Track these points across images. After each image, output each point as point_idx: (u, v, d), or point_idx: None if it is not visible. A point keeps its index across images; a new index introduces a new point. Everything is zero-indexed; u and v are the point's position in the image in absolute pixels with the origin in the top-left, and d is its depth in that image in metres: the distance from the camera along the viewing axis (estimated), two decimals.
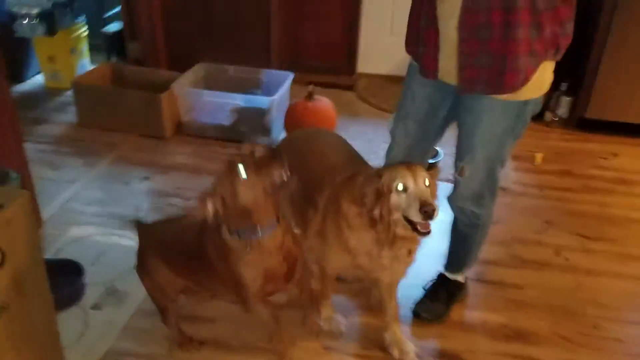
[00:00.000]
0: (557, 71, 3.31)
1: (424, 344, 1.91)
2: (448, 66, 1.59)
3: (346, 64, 4.00)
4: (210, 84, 3.40)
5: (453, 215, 1.93)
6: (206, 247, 1.57)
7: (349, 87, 3.96)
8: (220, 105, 3.14)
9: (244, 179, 1.37)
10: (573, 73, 3.40)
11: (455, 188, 1.84)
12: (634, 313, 2.09)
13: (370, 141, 3.25)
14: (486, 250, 2.36)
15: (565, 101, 3.43)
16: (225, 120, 3.15)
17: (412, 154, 1.83)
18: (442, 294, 2.05)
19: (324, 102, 3.13)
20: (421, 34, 1.63)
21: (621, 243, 2.46)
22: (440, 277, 2.10)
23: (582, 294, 2.16)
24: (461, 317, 2.04)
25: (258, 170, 1.38)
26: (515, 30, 1.45)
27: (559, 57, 1.59)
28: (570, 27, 1.55)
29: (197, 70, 3.39)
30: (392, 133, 1.90)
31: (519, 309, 2.08)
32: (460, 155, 1.76)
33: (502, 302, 2.11)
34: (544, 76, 1.60)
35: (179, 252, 1.68)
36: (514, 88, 1.54)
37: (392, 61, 4.14)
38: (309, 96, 3.09)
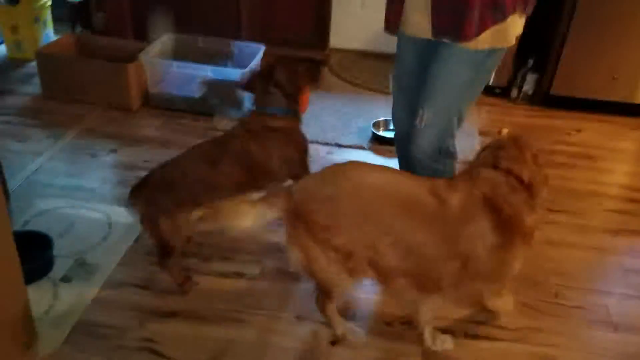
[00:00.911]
0: (523, 48, 3.39)
1: (391, 309, 1.96)
2: (418, 19, 1.74)
3: (318, 38, 3.98)
4: (179, 55, 3.34)
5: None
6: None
7: (322, 62, 3.95)
8: (189, 76, 3.10)
9: None
10: (539, 50, 3.46)
11: (414, 138, 1.90)
12: (592, 282, 2.17)
13: (345, 115, 3.27)
14: None
15: (531, 77, 3.50)
16: (195, 92, 3.12)
17: (413, 109, 1.91)
18: None
19: None
20: None
21: (582, 215, 2.55)
22: None
23: (544, 263, 2.23)
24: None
25: None
26: None
27: (528, 11, 1.71)
28: None
29: (165, 41, 3.33)
30: (392, 93, 2.06)
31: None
32: (421, 101, 1.84)
33: None
34: (508, 29, 1.69)
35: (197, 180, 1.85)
36: (468, 37, 1.65)
37: (364, 36, 4.14)
38: None
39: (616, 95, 3.39)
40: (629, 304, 2.07)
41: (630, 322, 1.99)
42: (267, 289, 2.02)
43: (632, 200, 2.68)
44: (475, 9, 1.61)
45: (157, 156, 2.73)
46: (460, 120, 1.89)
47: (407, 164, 2.04)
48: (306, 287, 2.02)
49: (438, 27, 1.70)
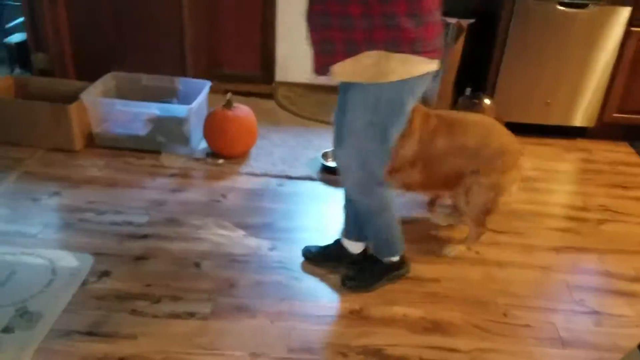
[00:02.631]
0: (462, 76, 3.53)
1: (347, 341, 1.96)
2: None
3: (264, 72, 4.03)
4: (123, 93, 3.30)
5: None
6: None
7: (268, 96, 3.99)
8: (134, 114, 3.06)
9: None
10: (477, 78, 3.62)
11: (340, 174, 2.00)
12: (539, 300, 2.24)
13: (293, 148, 3.29)
14: None
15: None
16: (141, 130, 3.08)
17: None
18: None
19: (244, 110, 3.13)
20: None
21: (525, 235, 2.64)
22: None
23: (492, 284, 2.29)
24: (382, 312, 2.11)
25: None
26: (326, 19, 1.67)
27: (401, 49, 1.68)
28: (404, 21, 1.64)
29: (108, 80, 3.29)
30: None
31: (435, 302, 2.18)
32: (333, 142, 1.94)
33: (420, 297, 2.20)
34: (382, 65, 1.70)
35: None
36: (317, 70, 1.84)
37: (309, 70, 4.20)
38: (228, 104, 3.08)
39: (551, 119, 3.57)
40: (575, 320, 2.14)
41: (577, 337, 2.05)
42: (220, 327, 1.98)
43: (572, 219, 2.80)
44: (326, 43, 1.74)
45: (102, 197, 2.68)
46: (377, 157, 1.91)
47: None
48: (260, 323, 2.01)
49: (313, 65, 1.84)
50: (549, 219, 2.79)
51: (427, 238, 2.57)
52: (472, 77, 3.64)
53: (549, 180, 3.17)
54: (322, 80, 4.20)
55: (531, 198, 2.96)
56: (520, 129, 3.54)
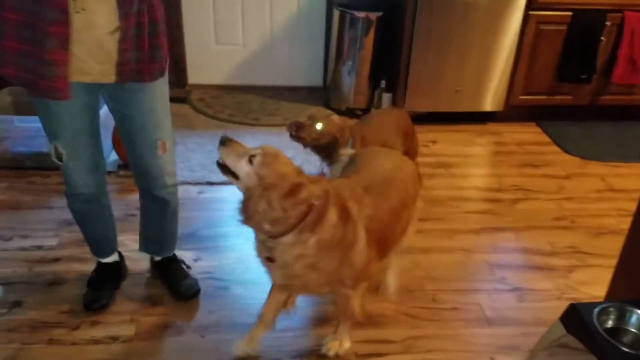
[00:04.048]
0: (376, 70, 3.58)
1: (279, 345, 1.92)
2: (98, 70, 1.64)
3: (176, 76, 3.90)
4: (22, 109, 3.08)
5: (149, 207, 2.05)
6: None
7: (182, 100, 3.86)
8: (36, 130, 2.86)
9: None
10: (390, 71, 3.68)
11: (157, 170, 1.91)
12: (464, 282, 2.30)
13: (211, 152, 3.20)
14: None
15: (386, 97, 3.69)
16: (44, 147, 2.88)
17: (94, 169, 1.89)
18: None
19: None
20: (45, 56, 1.55)
21: (446, 220, 2.71)
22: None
23: (418, 271, 2.33)
24: (315, 313, 2.09)
25: None
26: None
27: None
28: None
29: (4, 96, 3.06)
30: (63, 163, 1.81)
31: (365, 294, 2.18)
32: (157, 134, 1.85)
33: None
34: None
35: None
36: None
37: (223, 70, 4.13)
38: None
39: (461, 106, 3.69)
40: (499, 298, 2.22)
41: (502, 315, 2.13)
42: (146, 348, 1.88)
43: (488, 200, 2.91)
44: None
45: (7, 221, 2.49)
46: (174, 141, 1.99)
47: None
48: (188, 339, 1.93)
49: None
50: (467, 202, 2.89)
51: None
52: (386, 70, 3.70)
53: (464, 165, 3.28)
54: (235, 80, 4.14)
55: (449, 184, 3.05)
56: (432, 118, 3.66)
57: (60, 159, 1.79)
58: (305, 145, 2.37)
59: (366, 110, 3.78)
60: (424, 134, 3.57)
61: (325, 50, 4.05)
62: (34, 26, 1.50)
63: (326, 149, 2.36)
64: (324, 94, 4.05)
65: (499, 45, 3.51)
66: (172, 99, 3.61)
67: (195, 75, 4.06)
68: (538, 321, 2.07)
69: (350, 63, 3.67)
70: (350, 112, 3.79)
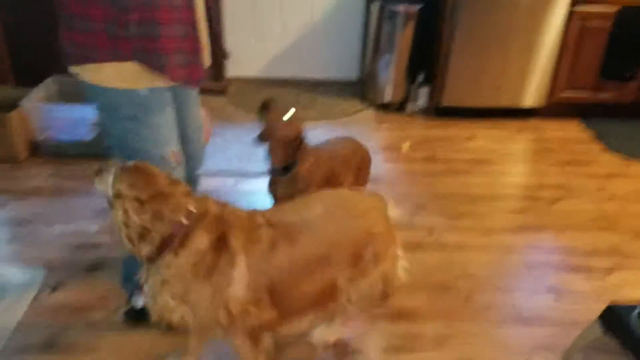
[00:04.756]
0: (414, 64, 3.55)
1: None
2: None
3: (214, 69, 3.94)
4: (67, 98, 3.17)
5: None
6: None
7: (220, 92, 3.91)
8: (79, 120, 2.95)
9: None
10: (428, 65, 3.63)
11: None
12: (499, 280, 2.27)
13: (247, 144, 3.22)
14: None
15: (423, 92, 3.66)
16: (87, 135, 2.96)
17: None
18: None
19: None
20: (193, 45, 1.59)
21: (484, 218, 2.67)
22: None
23: (453, 269, 2.31)
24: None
25: None
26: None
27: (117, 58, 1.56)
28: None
29: (50, 85, 3.15)
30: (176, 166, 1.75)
31: (399, 289, 2.17)
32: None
33: None
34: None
35: None
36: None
37: (260, 64, 4.16)
38: None
39: (501, 102, 3.62)
40: (535, 298, 2.17)
41: (538, 315, 2.08)
42: (182, 335, 1.92)
43: (528, 198, 2.85)
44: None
45: (50, 207, 2.57)
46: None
47: None
48: None
49: None
50: (504, 200, 2.83)
51: None
52: (424, 65, 3.66)
53: (503, 163, 3.22)
54: (272, 73, 4.16)
55: (486, 181, 3.00)
56: (471, 113, 3.61)
57: (177, 162, 1.74)
58: (264, 137, 2.13)
59: (401, 105, 3.75)
60: (462, 130, 3.53)
61: (363, 44, 4.04)
62: (180, 20, 1.52)
63: (283, 147, 2.11)
64: (359, 88, 4.04)
65: (542, 40, 3.42)
66: (210, 92, 3.76)
67: (233, 68, 4.09)
68: (574, 322, 2.03)
69: (387, 57, 3.64)
70: (385, 107, 3.77)
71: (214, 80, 3.93)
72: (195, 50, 1.60)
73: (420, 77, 3.64)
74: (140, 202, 1.36)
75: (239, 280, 1.43)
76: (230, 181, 2.89)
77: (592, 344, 1.67)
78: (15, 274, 2.13)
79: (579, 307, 2.13)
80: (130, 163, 1.43)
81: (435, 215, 2.67)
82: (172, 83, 1.60)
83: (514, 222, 2.64)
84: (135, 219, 1.36)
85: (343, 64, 4.18)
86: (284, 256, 1.47)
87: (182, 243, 1.39)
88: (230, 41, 3.97)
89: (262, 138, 2.12)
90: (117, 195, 1.38)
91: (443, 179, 3.00)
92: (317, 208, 1.59)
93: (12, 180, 2.79)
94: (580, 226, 2.63)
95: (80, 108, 2.95)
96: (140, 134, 1.63)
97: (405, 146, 3.30)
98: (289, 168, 2.13)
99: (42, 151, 2.99)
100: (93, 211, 2.55)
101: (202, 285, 1.41)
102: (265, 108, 2.09)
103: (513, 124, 3.63)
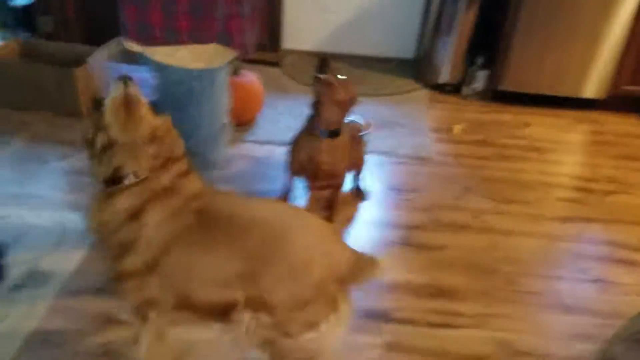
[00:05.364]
0: (473, 45, 3.49)
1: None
2: None
3: (271, 40, 3.98)
4: (129, 59, 3.27)
5: None
6: None
7: (275, 64, 3.95)
8: (142, 80, 3.03)
9: None
10: (488, 47, 3.57)
11: None
12: (544, 268, 2.25)
13: (300, 116, 3.25)
14: (410, 216, 2.48)
15: (481, 75, 3.60)
16: (148, 96, 3.05)
17: None
18: None
19: (251, 78, 3.11)
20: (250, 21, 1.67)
21: (532, 205, 2.64)
22: None
23: (497, 252, 2.30)
24: (387, 279, 2.12)
25: None
26: None
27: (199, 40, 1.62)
28: None
29: (115, 44, 3.26)
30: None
31: (441, 269, 2.20)
32: None
33: (425, 264, 2.22)
34: None
35: None
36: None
37: (316, 37, 4.17)
38: (235, 71, 3.06)
39: (562, 90, 3.52)
40: (580, 288, 2.16)
41: (581, 304, 2.07)
42: None
43: (580, 189, 2.80)
44: None
45: None
46: None
47: None
48: None
49: None
50: (556, 189, 2.79)
51: (433, 207, 2.57)
52: (484, 47, 3.60)
53: (558, 151, 3.16)
54: (328, 47, 4.17)
55: (540, 168, 2.96)
56: (531, 100, 3.54)
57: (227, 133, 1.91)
58: (319, 94, 2.10)
59: (457, 87, 3.70)
60: (517, 116, 3.48)
61: (422, 22, 3.99)
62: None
63: (335, 108, 2.11)
64: (415, 67, 4.01)
65: (609, 30, 3.30)
66: (265, 63, 3.81)
67: (289, 40, 4.12)
68: (617, 314, 2.00)
69: (447, 37, 3.59)
70: (440, 88, 3.73)
71: (270, 51, 3.97)
72: (256, 21, 1.64)
73: (480, 60, 3.58)
74: (112, 142, 1.39)
75: (135, 253, 1.39)
76: (279, 150, 2.94)
77: (634, 336, 1.65)
78: (74, 220, 2.24)
79: (623, 299, 2.10)
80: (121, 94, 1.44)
81: (482, 198, 2.66)
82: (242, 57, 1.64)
83: (563, 212, 2.61)
84: (98, 147, 1.41)
85: (400, 42, 4.15)
86: (190, 247, 1.38)
87: (110, 195, 1.41)
88: (289, 13, 4.00)
89: (316, 95, 2.11)
90: (103, 127, 1.41)
91: (494, 163, 2.97)
92: (264, 211, 1.45)
93: (75, 132, 2.92)
94: (631, 220, 2.57)
95: (141, 69, 3.03)
96: (198, 107, 1.69)
97: (458, 128, 3.27)
98: (336, 132, 2.14)
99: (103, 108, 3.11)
100: None
101: (110, 238, 1.43)
102: (324, 65, 2.08)
103: (571, 114, 3.54)
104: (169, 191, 1.43)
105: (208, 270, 1.38)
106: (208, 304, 1.41)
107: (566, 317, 2.01)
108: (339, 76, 2.10)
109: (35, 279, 1.96)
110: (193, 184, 1.48)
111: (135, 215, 1.39)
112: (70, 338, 1.76)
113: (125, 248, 1.41)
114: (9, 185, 2.47)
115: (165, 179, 1.43)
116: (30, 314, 1.82)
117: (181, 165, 1.48)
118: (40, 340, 1.75)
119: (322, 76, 2.07)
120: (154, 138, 1.44)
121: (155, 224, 1.39)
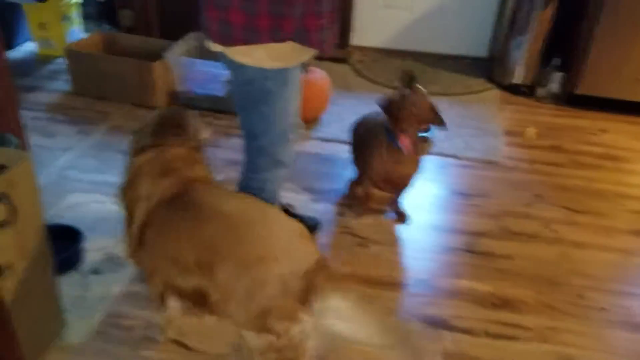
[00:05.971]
0: (549, 47, 3.36)
1: (410, 309, 1.98)
2: None
3: (339, 37, 3.98)
4: (205, 53, 3.38)
5: None
6: None
7: (343, 60, 3.96)
8: (214, 75, 3.14)
9: None
10: (565, 49, 3.43)
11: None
12: (617, 283, 2.16)
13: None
14: (476, 222, 2.43)
15: (557, 77, 3.47)
16: (219, 91, 3.16)
17: None
18: None
19: (319, 75, 3.13)
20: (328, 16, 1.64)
21: (607, 217, 2.53)
22: None
23: (568, 264, 2.23)
24: (449, 285, 2.10)
25: None
26: None
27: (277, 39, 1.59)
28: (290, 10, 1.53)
29: (190, 40, 3.37)
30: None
31: (506, 278, 2.15)
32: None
33: (490, 272, 2.17)
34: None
35: None
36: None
37: (386, 34, 4.14)
38: (304, 68, 3.08)
39: None
40: None
41: None
42: None
43: None
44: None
45: None
46: None
47: None
48: None
49: None
50: (631, 200, 2.66)
51: (502, 214, 2.51)
52: (560, 48, 3.46)
53: (635, 161, 3.00)
54: (397, 45, 4.13)
55: (616, 178, 2.82)
56: (607, 105, 3.37)
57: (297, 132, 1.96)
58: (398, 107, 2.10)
59: (530, 88, 3.58)
60: (594, 122, 3.33)
61: (496, 21, 3.88)
62: None
63: (416, 125, 2.12)
64: (487, 66, 3.90)
65: None
66: (333, 59, 3.82)
67: (358, 36, 4.12)
68: None
69: (522, 36, 3.47)
70: (512, 89, 3.62)
71: (338, 47, 3.98)
72: (335, 20, 1.65)
73: (555, 61, 3.45)
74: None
75: (138, 215, 1.56)
76: (343, 149, 2.95)
77: None
78: None
79: None
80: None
81: (553, 207, 2.57)
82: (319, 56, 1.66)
83: (638, 225, 2.48)
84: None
85: (472, 40, 4.06)
86: (161, 226, 1.51)
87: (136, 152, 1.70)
88: (359, 9, 3.99)
89: (396, 108, 2.10)
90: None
91: (567, 170, 2.86)
92: (230, 215, 1.44)
93: None
94: None
95: (216, 64, 3.13)
96: (270, 107, 1.73)
97: (530, 131, 3.17)
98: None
99: (178, 101, 3.24)
100: (219, 162, 2.73)
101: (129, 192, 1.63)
102: (411, 79, 2.09)
103: None
104: (170, 170, 1.58)
105: (172, 251, 1.47)
106: (179, 289, 1.50)
107: (634, 335, 1.92)
108: (421, 87, 2.10)
109: (110, 264, 2.08)
110: (195, 171, 1.62)
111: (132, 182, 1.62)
112: (140, 323, 1.85)
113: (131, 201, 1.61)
114: (89, 173, 2.61)
115: (175, 155, 1.63)
116: (104, 298, 1.93)
117: (194, 152, 1.71)
118: (112, 323, 1.85)
119: (407, 93, 2.09)
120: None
121: (145, 195, 1.56)
